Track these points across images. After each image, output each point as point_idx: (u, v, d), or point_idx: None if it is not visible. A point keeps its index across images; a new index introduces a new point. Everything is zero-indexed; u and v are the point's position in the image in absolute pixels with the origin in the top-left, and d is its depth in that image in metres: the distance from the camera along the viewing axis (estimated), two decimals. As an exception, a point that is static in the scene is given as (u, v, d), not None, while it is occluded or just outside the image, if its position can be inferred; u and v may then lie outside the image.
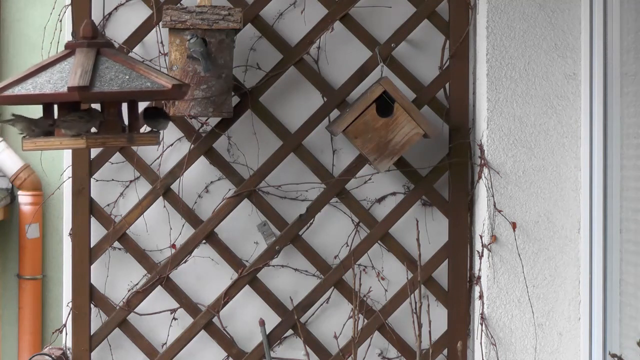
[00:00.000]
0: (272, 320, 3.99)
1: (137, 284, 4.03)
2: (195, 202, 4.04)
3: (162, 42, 3.96)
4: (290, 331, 4.02)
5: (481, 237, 3.88)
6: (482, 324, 3.86)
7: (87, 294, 3.98)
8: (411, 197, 3.99)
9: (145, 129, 3.53)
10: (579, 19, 3.83)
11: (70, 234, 3.99)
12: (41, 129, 3.28)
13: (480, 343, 3.86)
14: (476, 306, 3.93)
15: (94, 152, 3.98)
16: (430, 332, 3.82)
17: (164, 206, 4.01)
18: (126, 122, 3.36)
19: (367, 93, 3.79)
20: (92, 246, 3.99)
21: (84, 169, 3.97)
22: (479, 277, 3.89)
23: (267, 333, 3.97)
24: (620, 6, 3.62)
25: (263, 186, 4.00)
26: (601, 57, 3.71)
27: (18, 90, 3.15)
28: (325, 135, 4.02)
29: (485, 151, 3.85)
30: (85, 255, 3.98)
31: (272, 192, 4.03)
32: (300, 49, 3.97)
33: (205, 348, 4.04)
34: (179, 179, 3.99)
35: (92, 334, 3.99)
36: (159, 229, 4.04)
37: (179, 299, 4.01)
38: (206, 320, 3.99)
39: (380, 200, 4.04)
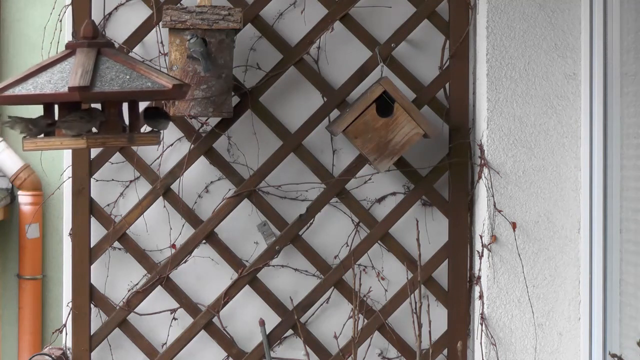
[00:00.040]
0: (272, 320, 3.99)
1: (137, 284, 4.03)
2: (195, 202, 4.04)
3: (162, 42, 3.97)
4: (290, 331, 4.02)
5: (481, 237, 3.88)
6: (482, 324, 3.86)
7: (87, 294, 3.98)
8: (411, 197, 3.99)
9: (145, 129, 3.53)
10: (579, 19, 3.83)
11: (70, 234, 3.99)
12: (39, 127, 3.28)
13: (480, 343, 3.86)
14: (476, 306, 3.93)
15: (94, 152, 3.98)
16: (430, 332, 3.82)
17: (164, 206, 4.01)
18: (127, 122, 3.37)
19: (367, 93, 3.79)
20: (92, 246, 3.99)
21: (84, 169, 3.97)
22: (479, 277, 3.89)
23: (267, 333, 3.97)
24: (620, 6, 3.62)
25: (263, 186, 4.00)
26: (601, 57, 3.71)
27: (19, 90, 3.15)
28: (325, 135, 4.02)
29: (485, 151, 3.85)
30: (85, 255, 3.98)
31: (272, 192, 4.03)
32: (300, 49, 3.97)
33: (205, 348, 4.04)
34: (179, 179, 3.99)
35: (92, 334, 3.99)
36: (159, 229, 4.04)
37: (179, 299, 4.01)
38: (206, 320, 3.99)
39: (380, 200, 4.04)
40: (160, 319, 4.04)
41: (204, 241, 4.00)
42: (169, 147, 4.02)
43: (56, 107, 3.28)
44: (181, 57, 3.74)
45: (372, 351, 4.03)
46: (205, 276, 4.04)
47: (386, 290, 4.03)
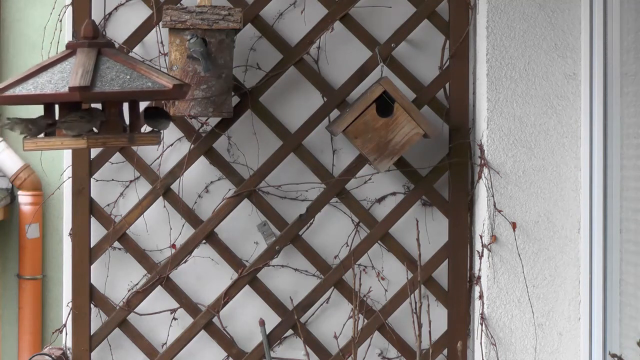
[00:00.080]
0: (272, 320, 3.99)
1: (137, 284, 4.03)
2: (195, 202, 4.04)
3: (162, 42, 3.97)
4: (290, 331, 4.02)
5: (481, 237, 3.88)
6: (482, 324, 3.86)
7: (87, 294, 3.98)
8: (411, 197, 3.99)
9: (145, 128, 3.53)
10: (579, 19, 3.83)
11: (70, 234, 4.00)
12: (38, 127, 3.28)
13: (480, 343, 3.86)
14: (476, 306, 3.93)
15: (94, 152, 3.98)
16: (430, 332, 3.82)
17: (164, 206, 4.01)
18: (127, 122, 3.36)
19: (367, 93, 3.79)
20: (92, 246, 3.99)
21: (84, 169, 3.97)
22: (479, 277, 3.89)
23: (267, 333, 3.97)
24: (620, 6, 3.63)
25: (263, 186, 4.00)
26: (601, 57, 3.71)
27: (19, 90, 3.15)
28: (325, 135, 4.02)
29: (485, 151, 3.85)
30: (85, 255, 3.98)
31: (272, 192, 4.03)
32: (300, 49, 3.97)
33: (205, 348, 4.04)
34: (179, 179, 4.00)
35: (92, 334, 3.99)
36: (159, 229, 4.04)
37: (179, 299, 4.01)
38: (206, 320, 3.99)
39: (380, 200, 4.04)
40: (160, 319, 4.04)
41: (204, 241, 4.00)
42: (169, 147, 4.02)
43: (57, 107, 3.28)
44: (181, 57, 3.74)
45: (372, 351, 4.03)
46: (205, 276, 4.04)
47: (386, 290, 4.03)
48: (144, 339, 4.01)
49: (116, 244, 4.01)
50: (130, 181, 4.03)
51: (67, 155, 4.01)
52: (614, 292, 3.67)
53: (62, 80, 3.13)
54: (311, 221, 4.01)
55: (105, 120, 3.25)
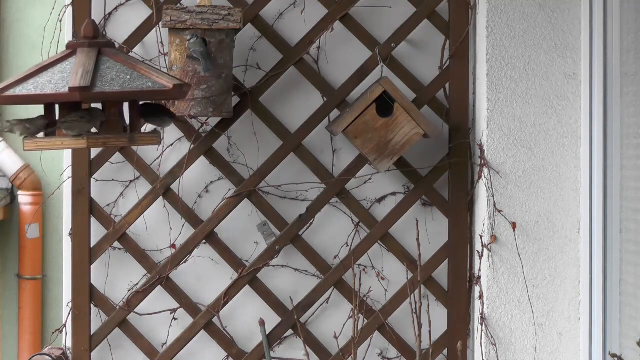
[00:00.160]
0: (272, 320, 3.99)
1: (137, 284, 4.03)
2: (195, 202, 4.04)
3: (162, 42, 3.97)
4: (290, 331, 4.02)
5: (481, 237, 3.88)
6: (482, 324, 3.86)
7: (87, 294, 3.98)
8: (411, 197, 3.99)
9: (145, 128, 3.53)
10: (579, 19, 3.83)
11: (70, 234, 4.00)
12: (36, 126, 3.28)
13: (480, 343, 3.87)
14: (476, 306, 3.93)
15: (94, 152, 3.98)
16: (430, 332, 3.82)
17: (164, 206, 4.01)
18: (127, 122, 3.37)
19: (367, 93, 3.79)
20: (92, 246, 3.99)
21: (84, 169, 3.97)
22: (479, 277, 3.89)
23: (267, 333, 3.97)
24: (620, 6, 3.63)
25: (263, 186, 4.00)
26: (601, 57, 3.71)
27: (19, 90, 3.15)
28: (325, 135, 4.02)
29: (485, 151, 3.85)
30: (85, 255, 3.98)
31: (272, 192, 4.03)
32: (300, 49, 3.97)
33: (205, 348, 4.04)
34: (179, 179, 4.00)
35: (92, 334, 3.99)
36: (159, 229, 4.04)
37: (179, 299, 4.01)
38: (206, 320, 3.99)
39: (380, 200, 4.04)
40: (160, 319, 4.04)
41: (204, 241, 4.00)
42: (169, 147, 4.02)
43: (57, 107, 3.28)
44: (181, 57, 3.74)
45: (372, 351, 4.03)
46: (205, 276, 4.04)
47: (386, 290, 4.03)
48: (144, 339, 4.01)
49: (116, 244, 4.01)
50: (130, 181, 4.03)
51: (67, 155, 4.01)
52: (614, 292, 3.67)
53: (62, 80, 3.13)
54: (311, 221, 4.01)
55: (105, 120, 3.25)
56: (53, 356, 3.97)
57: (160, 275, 3.99)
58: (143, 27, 3.97)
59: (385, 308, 3.98)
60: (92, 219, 3.99)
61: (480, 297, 3.88)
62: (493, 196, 3.84)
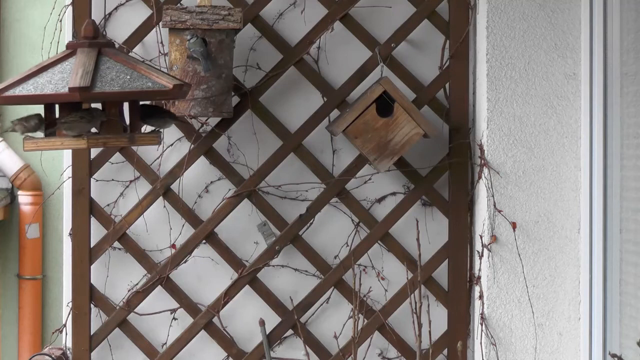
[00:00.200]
0: (272, 320, 3.99)
1: (137, 284, 4.03)
2: (195, 202, 4.04)
3: (162, 42, 3.97)
4: (290, 331, 4.02)
5: (481, 237, 3.88)
6: (482, 324, 3.86)
7: (87, 294, 3.98)
8: (411, 197, 3.99)
9: (145, 129, 3.53)
10: (579, 19, 3.83)
11: (70, 234, 4.00)
12: (31, 124, 3.28)
13: (480, 343, 3.86)
14: (476, 306, 3.93)
15: (94, 152, 3.98)
16: (430, 332, 3.82)
17: (164, 206, 4.01)
18: (127, 122, 3.37)
19: (367, 93, 3.79)
20: (92, 246, 3.99)
21: (84, 169, 3.97)
22: (479, 277, 3.89)
23: (267, 333, 3.97)
24: (620, 6, 3.63)
25: (263, 186, 4.00)
26: (601, 57, 3.71)
27: (19, 90, 3.15)
28: (325, 135, 4.02)
29: (485, 151, 3.85)
30: (85, 255, 3.98)
31: (272, 192, 4.03)
32: (300, 49, 3.97)
33: (205, 348, 4.04)
34: (179, 179, 4.00)
35: (92, 334, 3.99)
36: (159, 229, 4.04)
37: (179, 299, 4.01)
38: (206, 320, 3.99)
39: (380, 200, 4.04)
40: (160, 319, 4.04)
41: (204, 241, 4.00)
42: (169, 147, 4.02)
43: (57, 107, 3.28)
44: (181, 57, 3.74)
45: (372, 351, 4.03)
46: (205, 276, 4.04)
47: (386, 290, 4.03)
48: (144, 339, 4.01)
49: (116, 244, 4.01)
50: (130, 181, 4.03)
51: (67, 155, 4.01)
52: (614, 292, 3.67)
53: (62, 80, 3.13)
54: (311, 221, 4.01)
55: (105, 120, 3.25)
56: (53, 356, 3.97)
57: (160, 275, 3.99)
58: (143, 27, 3.97)
59: (385, 308, 3.98)
60: (92, 219, 3.99)
61: (480, 297, 3.88)
62: (493, 196, 3.84)
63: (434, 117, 3.98)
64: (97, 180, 4.02)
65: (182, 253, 3.99)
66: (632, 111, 3.57)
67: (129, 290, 4.02)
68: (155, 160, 4.02)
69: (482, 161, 3.86)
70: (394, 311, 3.98)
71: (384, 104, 3.76)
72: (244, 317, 4.04)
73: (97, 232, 4.00)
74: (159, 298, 4.02)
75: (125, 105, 3.35)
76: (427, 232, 4.01)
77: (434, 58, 4.00)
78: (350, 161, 3.99)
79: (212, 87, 3.75)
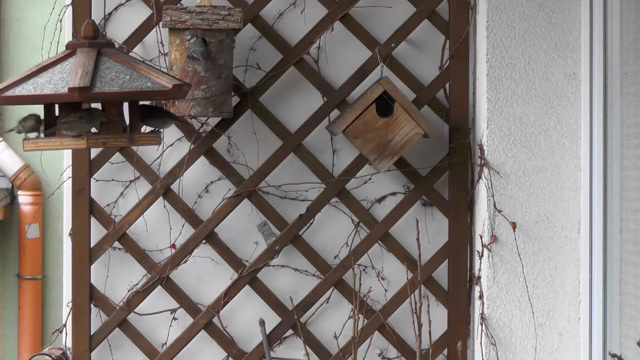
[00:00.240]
0: (272, 320, 3.99)
1: (137, 284, 4.03)
2: (195, 202, 4.04)
3: (162, 42, 3.97)
4: (290, 331, 4.02)
5: (481, 237, 3.88)
6: (482, 324, 3.86)
7: (87, 294, 3.98)
8: (411, 197, 3.99)
9: (145, 129, 3.53)
10: (579, 19, 3.83)
11: (70, 234, 4.00)
12: (29, 124, 3.29)
13: (480, 343, 3.86)
14: (476, 306, 3.93)
15: (94, 152, 3.98)
16: (430, 332, 3.82)
17: (164, 206, 4.01)
18: (127, 122, 3.37)
19: (367, 93, 3.79)
20: (92, 246, 3.99)
21: (84, 169, 3.97)
22: (479, 277, 3.89)
23: (267, 333, 3.97)
24: (620, 6, 3.63)
25: (263, 186, 4.00)
26: (601, 57, 3.71)
27: (19, 90, 3.15)
28: (325, 135, 4.02)
29: (485, 151, 3.85)
30: (85, 255, 3.98)
31: (272, 192, 4.03)
32: (300, 49, 3.97)
33: (205, 348, 4.04)
34: (179, 179, 3.99)
35: (92, 334, 3.99)
36: (159, 229, 4.04)
37: (179, 299, 4.01)
38: (206, 320, 3.99)
39: (380, 200, 4.04)
40: (160, 319, 4.04)
41: (204, 241, 4.00)
42: (169, 147, 4.02)
43: (57, 107, 3.28)
44: (181, 57, 3.74)
45: (372, 351, 4.03)
46: (205, 276, 4.04)
47: (386, 290, 4.03)
48: (144, 339, 4.01)
49: (116, 244, 4.01)
50: (130, 181, 4.03)
51: (67, 155, 4.01)
52: (614, 292, 3.67)
53: (61, 80, 3.13)
54: (311, 221, 4.01)
55: (105, 120, 3.25)
56: (53, 356, 3.97)
57: (160, 275, 3.99)
58: (143, 27, 3.97)
59: (385, 308, 3.98)
60: (92, 219, 3.99)
61: (480, 297, 3.88)
62: (493, 196, 3.84)
63: (434, 117, 3.98)
64: (97, 180, 4.02)
65: (182, 253, 3.99)
66: (632, 111, 3.57)
67: (129, 290, 4.02)
68: (155, 160, 4.02)
69: (482, 161, 3.86)
70: (394, 311, 3.98)
71: (384, 104, 3.76)
72: (244, 317, 4.04)
73: (97, 232, 4.00)
74: (159, 298, 4.02)
75: (125, 106, 3.35)
76: (427, 232, 4.01)
77: (434, 58, 4.00)
78: (350, 161, 3.99)
79: (212, 87, 3.75)
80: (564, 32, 3.84)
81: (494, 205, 3.84)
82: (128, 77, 3.17)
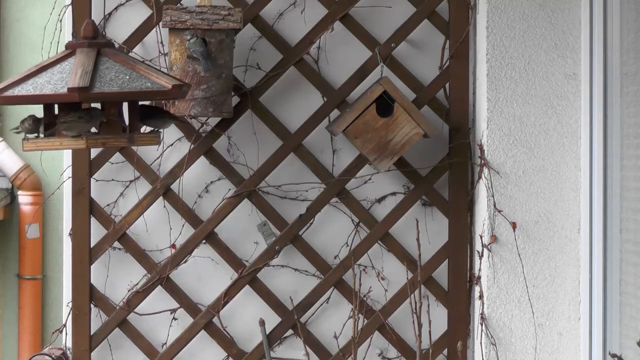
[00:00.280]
0: (272, 320, 3.99)
1: (137, 284, 4.03)
2: (195, 202, 4.04)
3: (162, 42, 3.97)
4: (290, 331, 4.02)
5: (481, 237, 3.88)
6: (482, 324, 3.86)
7: (87, 294, 3.98)
8: (411, 197, 3.99)
9: (145, 129, 3.54)
10: (579, 19, 3.83)
11: (70, 234, 4.00)
12: (26, 125, 3.29)
13: (480, 343, 3.86)
14: (476, 306, 3.93)
15: (94, 152, 3.98)
16: (430, 332, 3.82)
17: (164, 206, 4.01)
18: (127, 122, 3.37)
19: (367, 93, 3.79)
20: (92, 246, 3.99)
21: (84, 169, 3.97)
22: (479, 277, 3.89)
23: (267, 333, 3.97)
24: (620, 6, 3.62)
25: (263, 186, 4.00)
26: (601, 57, 3.71)
27: (18, 90, 3.15)
28: (325, 135, 4.02)
29: (485, 151, 3.85)
30: (85, 255, 3.98)
31: (272, 192, 4.03)
32: (300, 49, 3.97)
33: (205, 348, 4.04)
34: (179, 179, 3.99)
35: (92, 334, 3.99)
36: (159, 229, 4.04)
37: (179, 299, 4.01)
38: (206, 320, 3.99)
39: (380, 200, 4.04)
40: (160, 319, 4.04)
41: (204, 241, 4.00)
42: (169, 147, 4.02)
43: (57, 107, 3.28)
44: (181, 57, 3.74)
45: (372, 351, 4.03)
46: (205, 276, 4.04)
47: (386, 290, 4.03)
48: (144, 339, 4.01)
49: (116, 244, 4.01)
50: (130, 181, 4.03)
51: (67, 155, 4.01)
52: (614, 292, 3.67)
53: (61, 80, 3.13)
54: (311, 221, 4.01)
55: (104, 120, 3.25)
56: (53, 356, 3.97)
57: (160, 275, 3.99)
58: (143, 27, 3.97)
59: (385, 308, 3.98)
60: (92, 219, 3.99)
61: (480, 297, 3.88)
62: (493, 196, 3.84)
63: (434, 117, 3.98)
64: (97, 180, 4.02)
65: (182, 253, 3.99)
66: (632, 111, 3.57)
67: (129, 290, 4.02)
68: (155, 160, 4.02)
69: (482, 161, 3.86)
70: (394, 311, 3.98)
71: (384, 104, 3.76)
72: (244, 317, 4.04)
73: (97, 232, 4.00)
74: (159, 298, 4.02)
75: (125, 106, 3.35)
76: (427, 232, 4.01)
77: (434, 58, 4.00)
78: (350, 161, 3.99)
79: (212, 87, 3.75)
80: (564, 32, 3.84)
81: (494, 205, 3.84)
82: (127, 77, 3.17)
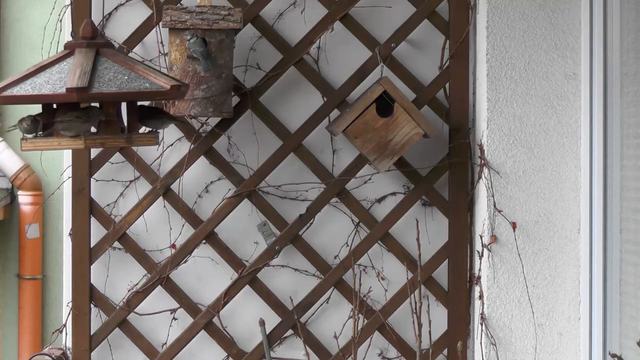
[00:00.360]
0: (272, 320, 3.99)
1: (137, 284, 4.03)
2: (195, 202, 4.04)
3: (162, 42, 3.97)
4: (290, 331, 4.02)
5: (481, 237, 3.88)
6: (482, 324, 3.86)
7: (87, 294, 3.98)
8: (411, 197, 3.99)
9: (145, 129, 3.53)
10: (579, 19, 3.83)
11: (70, 234, 4.00)
12: (25, 125, 3.29)
13: (480, 343, 3.86)
14: (476, 306, 3.93)
15: (94, 152, 3.98)
16: (430, 332, 3.82)
17: (164, 206, 4.01)
18: (126, 122, 3.36)
19: (367, 93, 3.79)
20: (92, 246, 3.99)
21: (84, 169, 3.97)
22: (479, 277, 3.89)
23: (267, 333, 3.97)
24: (620, 6, 3.62)
25: (263, 186, 4.00)
26: (601, 57, 3.71)
27: (17, 90, 3.15)
28: (325, 135, 4.02)
29: (485, 151, 3.85)
30: (85, 255, 3.98)
31: (272, 192, 4.03)
32: (300, 49, 3.97)
33: (205, 348, 4.04)
34: (179, 179, 3.99)
35: (92, 334, 3.99)
36: (159, 229, 4.04)
37: (179, 299, 4.01)
38: (206, 320, 3.99)
39: (380, 200, 4.04)
40: (160, 319, 4.04)
41: (204, 241, 4.00)
42: (169, 147, 4.02)
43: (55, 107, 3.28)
44: (181, 57, 3.74)
45: (372, 351, 4.03)
46: (205, 276, 4.04)
47: (386, 290, 4.03)
48: (144, 339, 4.01)
49: (116, 244, 4.01)
50: (130, 181, 4.03)
51: (67, 155, 4.01)
52: (614, 292, 3.67)
53: (59, 80, 3.13)
54: (311, 221, 4.01)
55: (103, 120, 3.24)
56: (53, 356, 3.97)
57: (160, 275, 3.99)
58: (143, 27, 3.97)
59: (385, 308, 3.98)
60: (92, 219, 3.99)
61: (480, 297, 3.88)
62: (493, 196, 3.84)
63: (434, 117, 3.98)
64: (97, 180, 4.02)
65: (182, 253, 3.99)
66: (632, 111, 3.57)
67: (129, 290, 4.02)
68: (155, 160, 4.02)
69: (482, 161, 3.86)
70: (394, 311, 3.98)
71: (384, 104, 3.76)
72: (244, 317, 4.04)
73: (97, 232, 4.00)
74: (159, 298, 4.02)
75: (124, 106, 3.35)
76: (427, 232, 4.01)
77: (434, 58, 4.00)
78: (350, 161, 3.99)
79: (212, 87, 3.75)
80: (564, 32, 3.84)
81: (494, 205, 3.84)
82: (126, 77, 3.17)
